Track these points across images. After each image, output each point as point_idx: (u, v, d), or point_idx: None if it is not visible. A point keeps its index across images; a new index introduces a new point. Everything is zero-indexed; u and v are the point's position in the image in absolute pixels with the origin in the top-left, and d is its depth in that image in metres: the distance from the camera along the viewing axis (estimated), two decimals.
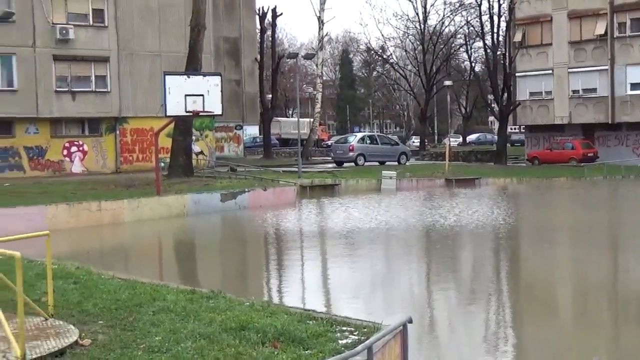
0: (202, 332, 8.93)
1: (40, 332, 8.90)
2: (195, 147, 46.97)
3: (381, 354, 8.62)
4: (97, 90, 47.82)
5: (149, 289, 11.73)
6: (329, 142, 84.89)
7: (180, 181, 37.59)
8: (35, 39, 45.33)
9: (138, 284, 12.31)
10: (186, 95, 31.59)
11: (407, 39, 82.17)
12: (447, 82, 69.32)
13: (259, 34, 71.04)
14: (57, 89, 46.39)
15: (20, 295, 8.01)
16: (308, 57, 53.46)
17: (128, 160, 49.50)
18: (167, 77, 32.16)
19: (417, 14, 77.87)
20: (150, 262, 22.75)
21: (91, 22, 47.53)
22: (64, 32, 45.60)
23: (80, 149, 48.02)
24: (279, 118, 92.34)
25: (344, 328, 9.48)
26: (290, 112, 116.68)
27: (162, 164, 37.69)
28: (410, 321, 9.52)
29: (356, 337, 9.02)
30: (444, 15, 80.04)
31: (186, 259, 23.40)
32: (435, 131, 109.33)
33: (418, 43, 78.18)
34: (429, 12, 78.21)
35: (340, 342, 8.81)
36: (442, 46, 77.39)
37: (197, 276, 20.00)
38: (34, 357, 7.95)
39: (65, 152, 47.51)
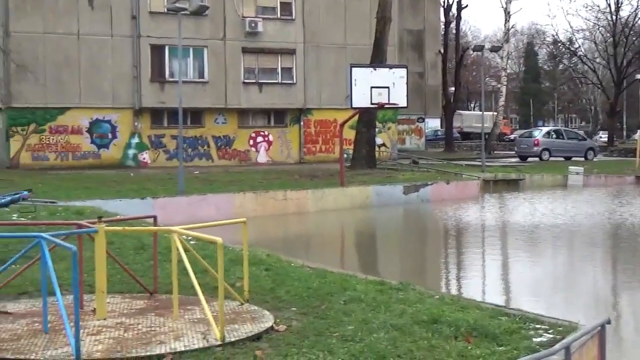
0: (394, 324, 8.89)
1: (236, 317, 9.13)
2: (378, 139, 47.12)
3: (578, 354, 8.33)
4: (283, 82, 48.85)
5: (339, 278, 11.81)
6: (512, 137, 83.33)
7: (363, 173, 37.86)
8: (225, 32, 46.82)
9: (328, 273, 12.43)
10: (372, 88, 31.78)
11: (597, 31, 79.35)
12: (639, 76, 66.42)
13: (443, 26, 70.45)
14: (245, 81, 47.72)
15: (221, 280, 8.23)
16: (494, 49, 52.52)
17: (311, 151, 50.32)
18: (354, 70, 32.42)
19: (609, 4, 75.03)
20: (333, 252, 23.00)
21: (279, 15, 48.60)
22: (253, 25, 46.83)
23: (266, 139, 49.22)
24: (461, 111, 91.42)
25: (538, 326, 9.22)
26: (472, 105, 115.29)
27: (345, 155, 38.04)
28: (609, 322, 9.17)
29: (551, 336, 8.74)
30: (637, 6, 76.90)
31: (367, 249, 23.51)
32: (624, 126, 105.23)
33: (609, 35, 75.35)
34: (621, 3, 75.17)
35: (534, 340, 8.57)
36: (634, 38, 74.30)
37: (377, 267, 20.04)
38: (232, 340, 8.15)
39: (251, 142, 48.84)
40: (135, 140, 45.91)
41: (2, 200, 14.73)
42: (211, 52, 46.62)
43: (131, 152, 45.89)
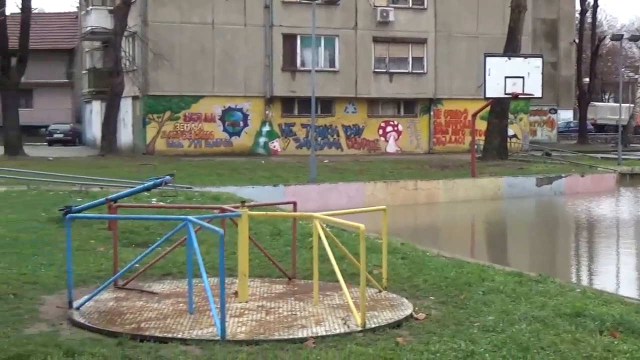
0: (536, 316, 8.73)
1: (375, 303, 9.14)
2: (510, 130, 46.34)
3: None
4: (414, 71, 48.63)
5: (476, 269, 11.68)
6: None
7: (494, 164, 37.36)
8: (357, 21, 46.88)
9: (464, 263, 12.31)
10: (506, 77, 31.30)
11: None
12: None
13: (579, 15, 68.64)
14: (376, 70, 47.72)
15: (364, 266, 8.25)
16: (633, 39, 50.93)
17: (440, 142, 49.93)
18: (488, 59, 32.01)
19: None
20: (463, 242, 22.78)
21: (410, 4, 48.39)
22: (385, 14, 46.75)
23: (395, 129, 49.12)
24: (595, 103, 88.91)
25: None
26: (607, 96, 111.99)
27: (476, 146, 37.57)
28: None
29: None
30: None
31: (498, 241, 23.19)
32: None
33: None
34: None
35: None
36: None
37: (507, 259, 19.70)
38: (372, 326, 8.16)
39: (380, 131, 48.83)
40: (266, 128, 46.56)
41: (146, 184, 15.15)
42: (342, 41, 46.80)
43: (262, 140, 46.57)
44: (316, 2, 30.41)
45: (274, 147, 46.67)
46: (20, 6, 41.33)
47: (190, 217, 8.53)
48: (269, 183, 27.99)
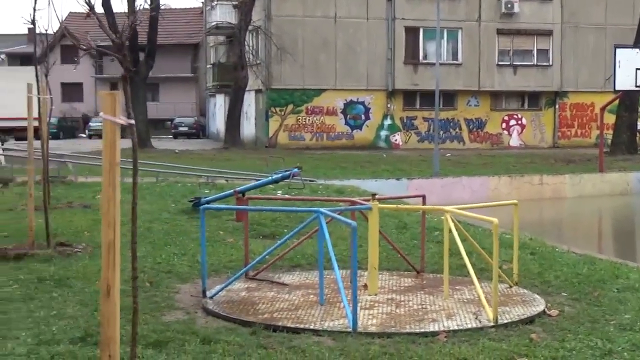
0: None
1: (506, 299, 9.02)
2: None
3: None
4: (538, 64, 47.74)
5: (609, 265, 11.38)
6: None
7: (623, 158, 36.33)
8: (480, 13, 46.30)
9: (596, 259, 12.01)
10: (637, 69, 30.35)
11: None
12: None
13: None
14: (499, 63, 47.07)
15: (496, 261, 8.17)
16: None
17: (565, 135, 48.88)
18: (618, 50, 31.13)
19: None
20: (590, 238, 22.25)
21: None
22: (509, 5, 46.02)
23: (519, 122, 48.34)
24: None
25: None
26: None
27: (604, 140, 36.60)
28: None
29: None
30: None
31: (627, 238, 22.53)
32: None
33: None
34: None
35: None
36: None
37: (636, 257, 19.10)
38: (504, 321, 8.06)
39: (503, 125, 48.13)
40: (388, 121, 46.53)
41: (274, 177, 15.37)
42: (465, 33, 46.33)
43: (383, 133, 46.56)
44: None
45: (395, 140, 46.60)
46: (149, 2, 42.47)
47: (321, 209, 8.60)
48: (392, 176, 27.97)
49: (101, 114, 4.26)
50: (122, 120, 4.28)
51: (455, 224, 8.93)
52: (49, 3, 10.95)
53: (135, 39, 42.52)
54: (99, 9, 43.39)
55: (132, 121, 4.40)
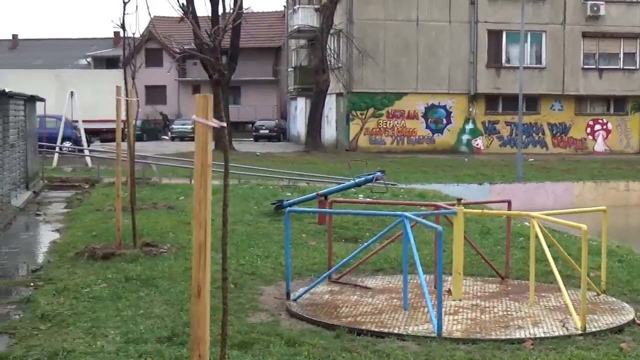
0: None
1: (594, 307, 8.85)
2: None
3: None
4: (625, 67, 46.71)
5: None
6: None
7: None
8: (565, 16, 45.56)
9: None
10: None
11: None
12: None
13: None
14: (584, 66, 46.22)
15: (585, 268, 8.02)
16: None
17: None
18: None
19: None
20: None
21: None
22: (595, 8, 45.18)
23: (604, 127, 47.39)
24: None
25: None
26: None
27: None
28: None
29: None
30: None
31: None
32: None
33: None
34: None
35: None
36: None
37: None
38: (592, 330, 7.91)
39: (588, 130, 47.24)
40: (470, 126, 46.11)
41: (357, 180, 15.38)
42: (549, 37, 45.64)
43: (465, 137, 46.16)
44: None
45: (477, 145, 46.15)
46: (232, 6, 42.88)
47: (406, 214, 8.57)
48: (474, 181, 27.74)
49: (194, 116, 4.31)
50: (214, 122, 4.32)
51: (542, 230, 8.79)
52: (136, 8, 11.17)
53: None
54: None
55: (224, 124, 4.44)
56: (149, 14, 10.24)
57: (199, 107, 4.31)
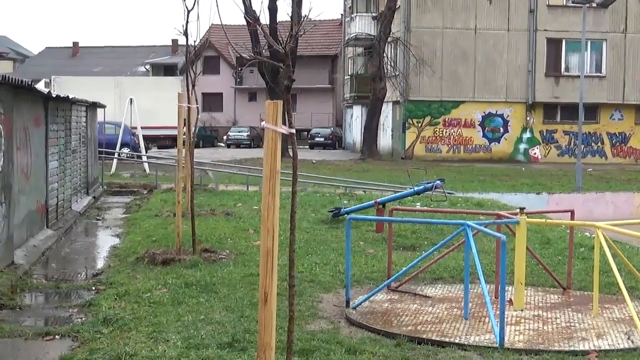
0: None
1: None
2: None
3: None
4: None
5: None
6: None
7: None
8: (627, 24, 44.92)
9: None
10: None
11: None
12: None
13: None
14: None
15: None
16: None
17: None
18: None
19: None
20: None
21: None
22: None
23: None
24: None
25: None
26: None
27: None
28: None
29: None
30: None
31: None
32: None
33: None
34: None
35: None
36: None
37: None
38: None
39: None
40: (527, 135, 45.66)
41: (416, 189, 15.32)
42: (610, 45, 45.01)
43: (522, 146, 45.71)
44: (587, 5, 29.37)
45: (534, 154, 45.67)
46: (289, 14, 43.07)
47: (468, 222, 8.50)
48: (531, 190, 27.42)
49: (263, 123, 4.32)
50: (283, 129, 4.33)
51: (607, 241, 8.65)
52: (197, 16, 11.28)
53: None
54: (238, 20, 44.37)
55: (293, 130, 4.44)
56: (219, 16, 10.30)
57: (269, 113, 4.31)
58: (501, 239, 7.78)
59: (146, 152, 32.61)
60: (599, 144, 46.18)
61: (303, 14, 5.09)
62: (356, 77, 53.23)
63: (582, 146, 44.10)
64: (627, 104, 45.59)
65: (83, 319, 8.68)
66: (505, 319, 8.38)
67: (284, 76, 4.69)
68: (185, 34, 11.59)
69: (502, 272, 7.80)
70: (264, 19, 40.67)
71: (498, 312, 8.07)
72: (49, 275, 11.44)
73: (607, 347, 7.64)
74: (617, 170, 38.67)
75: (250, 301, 9.11)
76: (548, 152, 45.74)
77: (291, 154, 4.82)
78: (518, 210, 9.34)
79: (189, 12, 11.47)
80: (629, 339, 7.92)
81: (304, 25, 4.62)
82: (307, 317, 8.62)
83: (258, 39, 38.63)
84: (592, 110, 45.23)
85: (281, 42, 4.74)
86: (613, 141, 46.23)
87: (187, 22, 11.44)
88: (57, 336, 7.99)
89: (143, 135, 31.24)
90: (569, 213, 10.39)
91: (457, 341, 7.74)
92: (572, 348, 7.60)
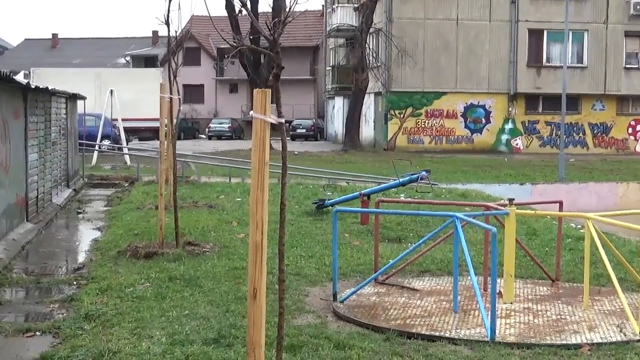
0: None
1: None
2: None
3: None
4: None
5: None
6: None
7: None
8: (608, 15, 44.94)
9: None
10: None
11: None
12: None
13: None
14: (626, 66, 45.58)
15: None
16: None
17: None
18: None
19: None
20: None
21: None
22: (638, 7, 44.52)
23: None
24: None
25: None
26: None
27: None
28: None
29: None
30: None
31: None
32: None
33: None
34: None
35: None
36: None
37: None
38: None
39: (630, 130, 46.59)
40: (509, 125, 45.65)
41: (402, 180, 15.17)
42: (591, 36, 45.03)
43: (504, 137, 45.71)
44: None
45: (517, 144, 45.68)
46: (271, 5, 42.79)
47: (457, 214, 8.36)
48: (515, 181, 27.39)
49: (252, 112, 4.14)
50: (272, 118, 4.15)
51: (597, 232, 8.53)
52: (179, 6, 11.05)
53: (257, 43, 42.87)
54: (222, 11, 44.09)
55: (283, 120, 4.27)
56: (212, 9, 10.14)
57: (257, 102, 4.13)
58: (492, 230, 7.64)
59: (127, 144, 32.32)
60: (581, 134, 46.24)
61: (287, 4, 4.89)
62: (338, 68, 53.07)
63: (564, 136, 44.20)
64: (608, 94, 45.65)
65: (64, 314, 8.48)
66: (495, 312, 8.26)
67: (273, 64, 4.51)
68: (167, 22, 11.38)
69: (493, 265, 7.67)
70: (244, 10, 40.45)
71: (488, 305, 7.95)
72: (30, 269, 11.20)
73: (600, 340, 7.52)
74: (599, 160, 38.73)
75: (235, 295, 8.94)
76: (530, 142, 45.75)
77: (274, 145, 4.64)
78: (506, 201, 9.20)
79: (170, 0, 11.27)
80: (621, 331, 7.81)
81: (292, 11, 4.41)
82: (293, 311, 8.45)
83: (239, 29, 38.35)
84: (574, 101, 45.21)
85: (268, 28, 4.54)
86: (595, 131, 46.30)
87: (169, 10, 11.24)
88: (37, 333, 7.79)
89: (124, 127, 30.94)
90: (557, 204, 10.27)
91: (447, 335, 7.60)
92: (564, 341, 7.47)
